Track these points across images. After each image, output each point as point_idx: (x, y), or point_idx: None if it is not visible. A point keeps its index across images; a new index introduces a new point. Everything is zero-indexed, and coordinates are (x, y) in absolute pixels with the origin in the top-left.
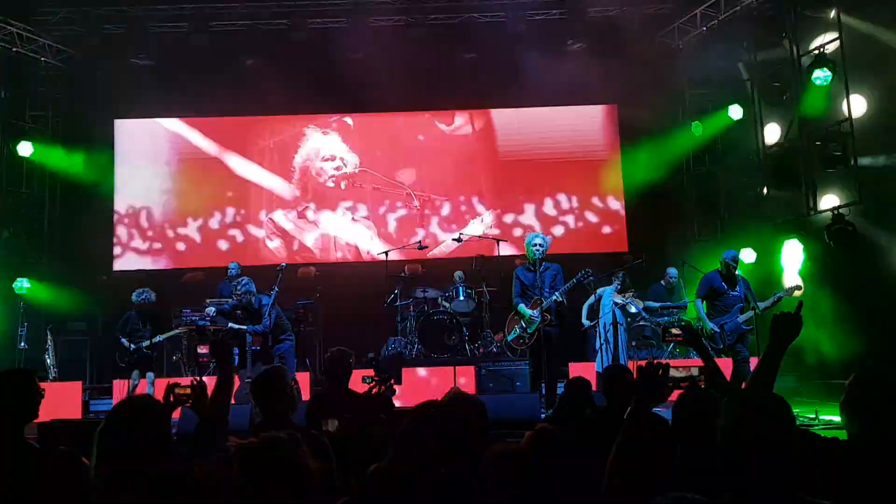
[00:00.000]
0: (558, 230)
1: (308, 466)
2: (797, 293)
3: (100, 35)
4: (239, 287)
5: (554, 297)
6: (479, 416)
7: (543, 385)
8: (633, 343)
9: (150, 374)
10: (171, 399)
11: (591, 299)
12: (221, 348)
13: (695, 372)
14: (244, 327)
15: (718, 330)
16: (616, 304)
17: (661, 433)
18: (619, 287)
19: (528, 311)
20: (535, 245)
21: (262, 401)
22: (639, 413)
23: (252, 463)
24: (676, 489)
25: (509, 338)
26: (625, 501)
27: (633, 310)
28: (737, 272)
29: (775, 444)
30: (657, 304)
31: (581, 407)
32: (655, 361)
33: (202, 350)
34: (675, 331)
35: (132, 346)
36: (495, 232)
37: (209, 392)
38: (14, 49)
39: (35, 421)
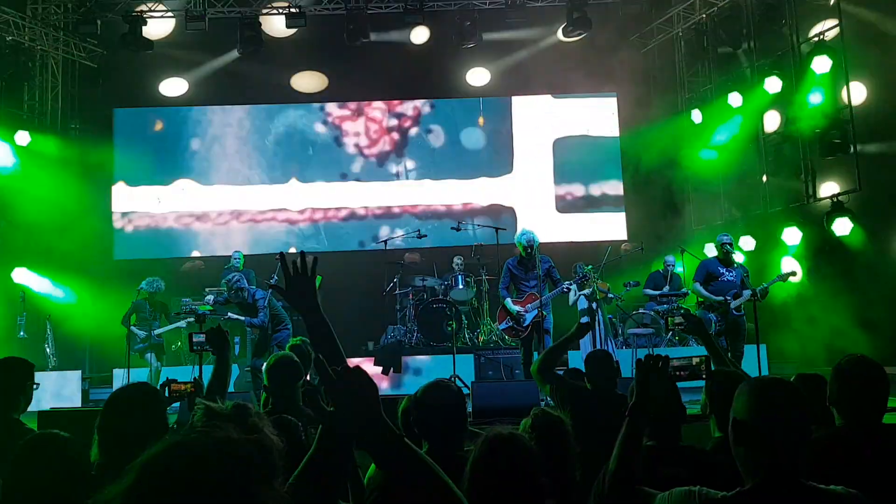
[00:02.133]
0: (558, 218)
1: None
2: (793, 279)
3: (98, 23)
4: (231, 283)
5: (557, 293)
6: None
7: None
8: (620, 333)
9: (150, 356)
10: (168, 395)
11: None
12: (217, 336)
13: (695, 361)
14: (242, 318)
15: (723, 300)
16: (588, 297)
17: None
18: (580, 283)
19: (515, 308)
20: (528, 243)
21: (274, 387)
22: (641, 408)
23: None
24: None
25: (500, 327)
26: (625, 494)
27: (609, 296)
28: (733, 255)
29: (789, 432)
30: (656, 293)
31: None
32: (655, 353)
33: (196, 339)
34: (678, 320)
35: (142, 333)
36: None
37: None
38: (9, 38)
39: (35, 410)
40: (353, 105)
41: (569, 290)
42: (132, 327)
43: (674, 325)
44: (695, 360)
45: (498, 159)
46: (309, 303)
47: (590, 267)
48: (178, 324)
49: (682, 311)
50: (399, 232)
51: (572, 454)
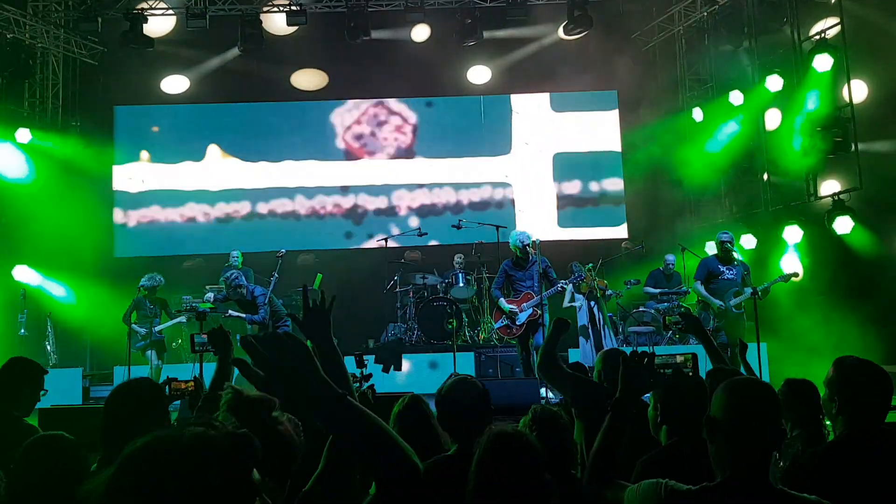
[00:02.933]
0: (558, 217)
1: (287, 430)
2: (795, 279)
3: (98, 20)
4: (229, 281)
5: (553, 291)
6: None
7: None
8: (620, 331)
9: (151, 354)
10: (169, 393)
11: (566, 303)
12: (219, 337)
13: (679, 359)
14: (242, 315)
15: (724, 305)
16: (586, 297)
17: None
18: (575, 284)
19: (508, 306)
20: (521, 244)
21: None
22: (624, 403)
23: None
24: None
25: (496, 326)
26: (603, 486)
27: (608, 293)
28: (734, 253)
29: (760, 432)
30: (656, 290)
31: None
32: (641, 351)
33: (198, 340)
34: (674, 319)
35: (143, 330)
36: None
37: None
38: (10, 35)
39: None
40: (353, 102)
41: (563, 289)
42: (133, 325)
43: (671, 323)
44: (679, 358)
45: (498, 158)
46: (323, 333)
47: (589, 266)
48: (178, 319)
49: (680, 310)
50: (400, 229)
51: (572, 449)
